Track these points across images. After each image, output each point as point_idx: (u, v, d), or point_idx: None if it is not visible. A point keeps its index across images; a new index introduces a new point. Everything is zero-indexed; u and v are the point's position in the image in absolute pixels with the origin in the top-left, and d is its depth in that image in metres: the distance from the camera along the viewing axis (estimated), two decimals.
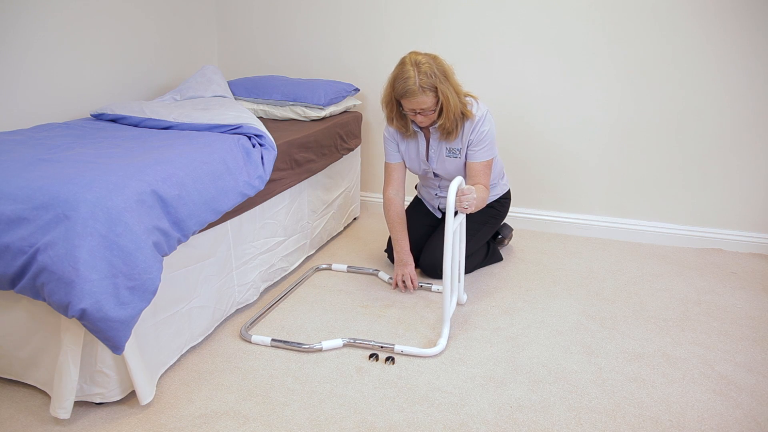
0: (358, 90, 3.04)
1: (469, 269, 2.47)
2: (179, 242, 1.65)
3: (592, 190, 2.96)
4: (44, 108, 2.36)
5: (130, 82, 2.78)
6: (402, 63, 2.08)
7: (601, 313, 2.17)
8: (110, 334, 1.42)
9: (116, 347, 1.45)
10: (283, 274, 2.41)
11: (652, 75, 2.72)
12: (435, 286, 2.35)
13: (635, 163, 2.86)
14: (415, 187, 2.66)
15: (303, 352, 1.89)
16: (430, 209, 2.55)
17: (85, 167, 1.62)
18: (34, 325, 1.57)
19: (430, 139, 2.27)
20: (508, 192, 2.55)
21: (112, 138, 2.03)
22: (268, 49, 3.27)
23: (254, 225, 2.15)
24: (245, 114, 2.32)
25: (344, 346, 1.92)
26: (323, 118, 2.79)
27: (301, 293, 2.30)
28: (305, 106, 2.78)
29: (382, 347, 1.89)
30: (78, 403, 1.59)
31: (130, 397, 1.64)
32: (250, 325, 2.03)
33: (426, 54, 2.09)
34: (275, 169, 2.17)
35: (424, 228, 2.50)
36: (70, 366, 1.49)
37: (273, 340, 1.92)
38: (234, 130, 2.14)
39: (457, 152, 2.23)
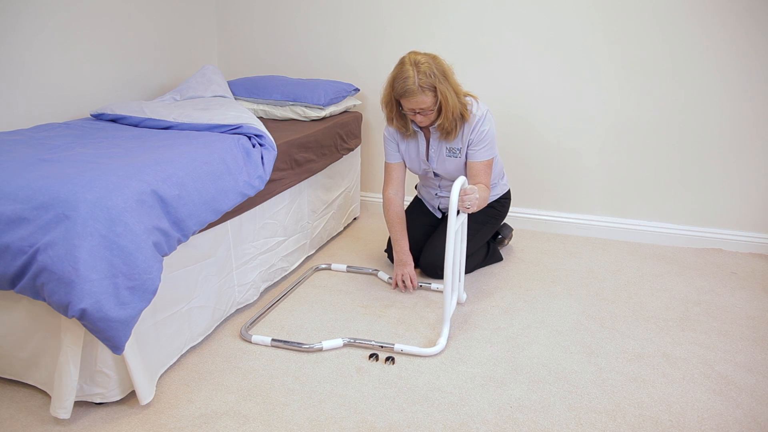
0: (358, 90, 3.04)
1: (469, 269, 2.47)
2: (179, 242, 1.65)
3: (592, 190, 2.96)
4: (44, 108, 2.36)
5: (130, 82, 2.78)
6: (401, 63, 2.08)
7: (601, 313, 2.17)
8: (110, 334, 1.42)
9: (116, 347, 1.45)
10: (283, 274, 2.41)
11: (653, 75, 2.72)
12: (435, 285, 2.35)
13: (635, 163, 2.86)
14: (415, 187, 2.66)
15: (303, 352, 1.89)
16: (430, 209, 2.55)
17: (85, 167, 1.62)
18: (34, 325, 1.57)
19: (430, 139, 2.27)
20: (508, 192, 2.55)
21: (112, 138, 2.03)
22: (268, 49, 3.27)
23: (254, 225, 2.15)
24: (245, 114, 2.32)
25: (344, 345, 1.92)
26: (323, 118, 2.79)
27: (301, 293, 2.30)
28: (305, 106, 2.78)
29: (382, 347, 1.90)
30: (78, 403, 1.59)
31: (130, 397, 1.64)
32: (250, 325, 2.03)
33: (425, 54, 2.09)
34: (275, 169, 2.17)
35: (424, 228, 2.49)
36: (70, 366, 1.49)
37: (273, 340, 1.92)
38: (234, 130, 2.14)
39: (457, 152, 2.23)
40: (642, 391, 1.71)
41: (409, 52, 2.10)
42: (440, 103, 2.08)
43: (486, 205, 2.29)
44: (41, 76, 2.33)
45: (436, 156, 2.29)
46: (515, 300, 2.27)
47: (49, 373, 1.59)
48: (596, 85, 2.80)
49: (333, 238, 2.90)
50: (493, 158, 2.25)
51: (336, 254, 2.70)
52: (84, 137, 2.03)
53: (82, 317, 1.38)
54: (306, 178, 2.45)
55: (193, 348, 1.90)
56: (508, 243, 2.77)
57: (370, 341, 1.92)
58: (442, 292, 2.32)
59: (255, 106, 2.86)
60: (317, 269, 2.51)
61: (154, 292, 1.50)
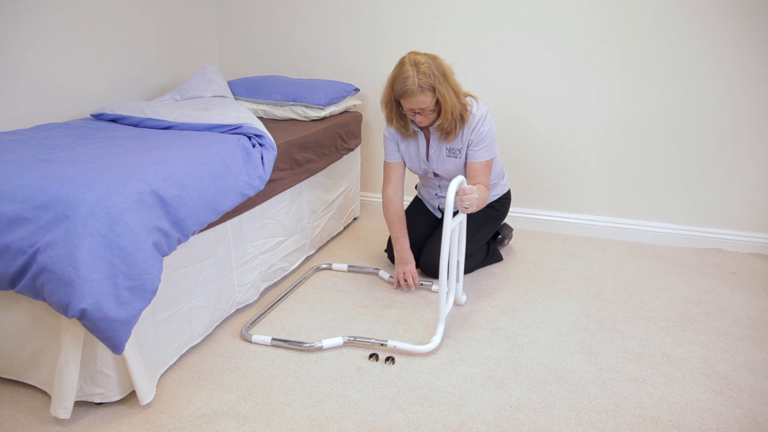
0: (358, 90, 3.04)
1: (469, 269, 2.47)
2: (179, 242, 1.65)
3: (592, 190, 2.96)
4: (44, 108, 2.36)
5: (130, 82, 2.78)
6: (401, 63, 2.08)
7: (601, 313, 2.17)
8: (110, 334, 1.42)
9: (116, 347, 1.45)
10: (283, 274, 2.41)
11: (652, 75, 2.72)
12: (435, 285, 2.35)
13: (635, 162, 2.86)
14: (415, 187, 2.66)
15: (303, 351, 1.89)
16: (430, 209, 2.55)
17: (85, 167, 1.62)
18: (34, 325, 1.57)
19: (430, 139, 2.27)
20: (508, 192, 2.55)
21: (112, 138, 2.03)
22: (268, 49, 3.27)
23: (254, 225, 2.15)
24: (245, 114, 2.32)
25: (344, 344, 1.92)
26: (323, 118, 2.79)
27: (302, 293, 2.30)
28: (305, 106, 2.78)
29: (382, 345, 1.90)
30: (78, 403, 1.59)
31: (130, 397, 1.64)
32: (251, 325, 2.03)
33: (425, 54, 2.09)
34: (275, 169, 2.17)
35: (424, 228, 2.50)
36: (70, 366, 1.49)
37: (273, 339, 1.92)
38: (234, 130, 2.14)
39: (457, 152, 2.23)
40: (642, 391, 1.71)
41: (409, 53, 2.10)
42: (439, 103, 2.08)
43: (485, 205, 2.29)
44: (41, 76, 2.33)
45: (436, 156, 2.29)
46: (515, 300, 2.27)
47: (49, 373, 1.59)
48: (596, 84, 2.80)
49: (333, 238, 2.90)
50: (492, 159, 2.25)
51: (336, 254, 2.70)
52: (84, 137, 2.03)
53: (82, 317, 1.38)
54: (306, 178, 2.45)
55: (193, 348, 1.90)
56: (508, 243, 2.77)
57: (369, 339, 1.92)
58: None
59: (255, 106, 2.86)
60: (318, 269, 2.51)
61: (154, 292, 1.50)
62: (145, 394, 1.59)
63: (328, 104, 2.80)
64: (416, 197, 2.64)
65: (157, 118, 2.24)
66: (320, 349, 1.89)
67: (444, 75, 2.07)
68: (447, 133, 2.18)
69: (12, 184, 1.51)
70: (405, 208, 2.46)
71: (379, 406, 1.64)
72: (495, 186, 2.44)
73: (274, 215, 2.28)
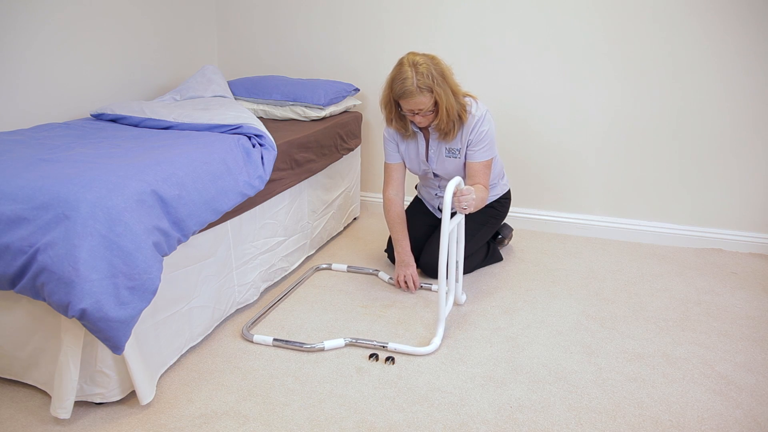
0: (358, 90, 3.04)
1: (469, 269, 2.47)
2: (179, 242, 1.65)
3: (591, 190, 2.96)
4: (44, 108, 2.36)
5: (130, 82, 2.78)
6: (400, 64, 2.08)
7: (601, 313, 2.17)
8: (110, 334, 1.42)
9: (116, 347, 1.45)
10: (283, 274, 2.41)
11: (652, 74, 2.72)
12: (435, 286, 2.35)
13: (635, 162, 2.86)
14: (416, 187, 2.66)
15: (304, 351, 1.89)
16: (430, 209, 2.55)
17: (85, 167, 1.62)
18: (34, 325, 1.57)
19: (430, 140, 2.27)
20: (508, 192, 2.55)
21: (113, 138, 2.03)
22: (268, 49, 3.27)
23: (254, 225, 2.15)
24: (245, 114, 2.32)
25: (346, 345, 1.92)
26: (323, 118, 2.80)
27: (301, 293, 2.30)
28: (305, 106, 2.78)
29: (384, 347, 1.90)
30: (78, 403, 1.59)
31: (130, 397, 1.64)
32: (251, 325, 2.03)
33: (424, 54, 2.09)
34: (275, 169, 2.17)
35: (424, 228, 2.49)
36: (70, 366, 1.49)
37: (275, 339, 1.92)
38: (234, 130, 2.14)
39: (457, 152, 2.23)
40: (642, 391, 1.71)
41: (408, 53, 2.10)
42: (438, 103, 2.08)
43: (484, 205, 2.29)
44: (41, 76, 2.33)
45: (436, 156, 2.29)
46: (515, 300, 2.27)
47: (49, 373, 1.59)
48: (596, 84, 2.80)
49: (333, 238, 2.90)
50: (492, 159, 2.25)
51: (336, 254, 2.70)
52: (84, 137, 2.03)
53: (82, 317, 1.38)
54: (306, 178, 2.45)
55: (193, 348, 1.90)
56: (508, 243, 2.77)
57: (371, 341, 1.92)
58: None
59: (255, 106, 2.86)
60: (318, 269, 2.51)
61: (154, 292, 1.50)
62: (145, 394, 1.59)
63: (328, 104, 2.80)
64: (416, 197, 2.64)
65: (157, 118, 2.25)
66: (322, 350, 1.89)
67: (442, 75, 2.07)
68: (445, 134, 2.18)
69: (12, 184, 1.51)
70: (405, 208, 2.46)
71: (379, 406, 1.64)
72: (495, 186, 2.44)
73: (274, 215, 2.28)
